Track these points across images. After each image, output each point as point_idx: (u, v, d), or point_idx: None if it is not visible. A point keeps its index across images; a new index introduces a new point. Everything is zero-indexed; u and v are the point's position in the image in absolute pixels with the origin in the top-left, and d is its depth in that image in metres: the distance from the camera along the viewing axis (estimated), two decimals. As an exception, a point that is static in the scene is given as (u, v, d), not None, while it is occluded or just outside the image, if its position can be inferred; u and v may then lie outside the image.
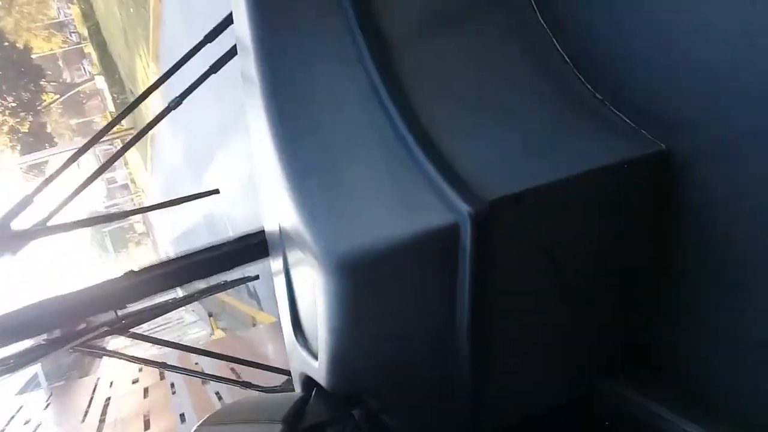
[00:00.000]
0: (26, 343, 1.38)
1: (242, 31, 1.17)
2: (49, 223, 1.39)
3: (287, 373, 1.44)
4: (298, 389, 1.29)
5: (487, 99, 1.10)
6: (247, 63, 1.16)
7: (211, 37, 1.47)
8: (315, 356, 1.09)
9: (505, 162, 1.01)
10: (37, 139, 33.48)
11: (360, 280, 0.91)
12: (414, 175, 0.97)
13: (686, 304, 1.09)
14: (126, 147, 1.47)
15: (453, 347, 1.03)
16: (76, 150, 1.45)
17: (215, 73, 1.51)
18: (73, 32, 40.87)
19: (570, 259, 1.07)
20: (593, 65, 1.12)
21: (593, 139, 1.05)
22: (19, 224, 1.37)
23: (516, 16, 1.19)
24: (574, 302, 1.13)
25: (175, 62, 1.44)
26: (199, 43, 1.46)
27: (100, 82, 34.62)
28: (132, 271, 1.45)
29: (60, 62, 43.36)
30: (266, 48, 1.11)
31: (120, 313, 1.43)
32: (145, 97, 1.47)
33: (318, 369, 1.09)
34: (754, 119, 0.90)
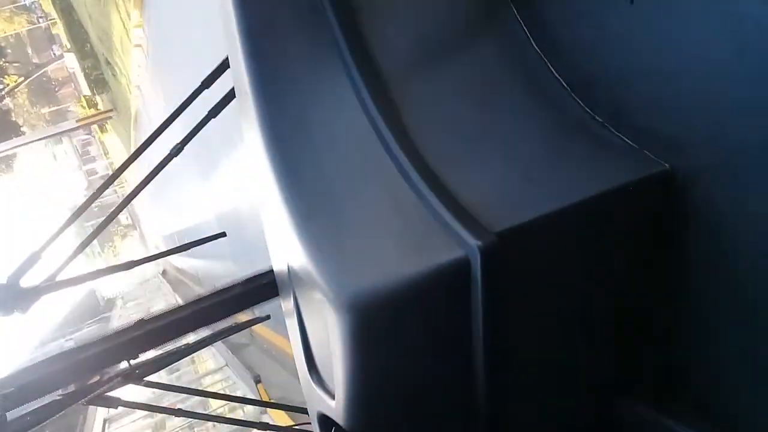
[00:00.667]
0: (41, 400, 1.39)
1: (239, 75, 1.16)
2: (58, 278, 1.38)
3: (305, 412, 1.45)
4: (316, 429, 1.31)
5: (487, 130, 1.11)
6: (246, 106, 1.15)
7: (208, 82, 1.46)
8: (331, 395, 1.09)
9: (510, 193, 1.01)
10: (0, 129, 31.16)
11: (372, 320, 0.92)
12: (419, 211, 0.98)
13: (700, 322, 1.09)
14: (131, 196, 1.46)
15: (468, 381, 1.03)
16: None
17: (215, 117, 1.50)
18: (41, 17, 39.38)
19: (580, 284, 1.08)
20: (591, 88, 1.13)
21: (596, 163, 1.06)
22: (27, 281, 1.36)
23: (511, 44, 1.20)
24: (587, 326, 1.13)
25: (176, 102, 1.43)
26: (197, 89, 1.45)
27: (71, 61, 31.46)
28: (143, 320, 1.45)
29: (28, 49, 41.82)
30: (265, 92, 1.11)
31: (133, 362, 1.43)
32: (149, 144, 1.45)
33: (335, 408, 1.08)
34: (756, 135, 0.90)
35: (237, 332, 1.49)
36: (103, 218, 1.51)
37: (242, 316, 1.52)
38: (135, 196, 1.49)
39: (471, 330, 0.99)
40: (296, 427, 1.65)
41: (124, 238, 54.66)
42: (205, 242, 1.58)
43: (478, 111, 1.14)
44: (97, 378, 1.42)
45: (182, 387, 1.58)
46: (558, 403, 1.21)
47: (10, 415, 1.36)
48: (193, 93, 1.42)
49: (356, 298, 0.90)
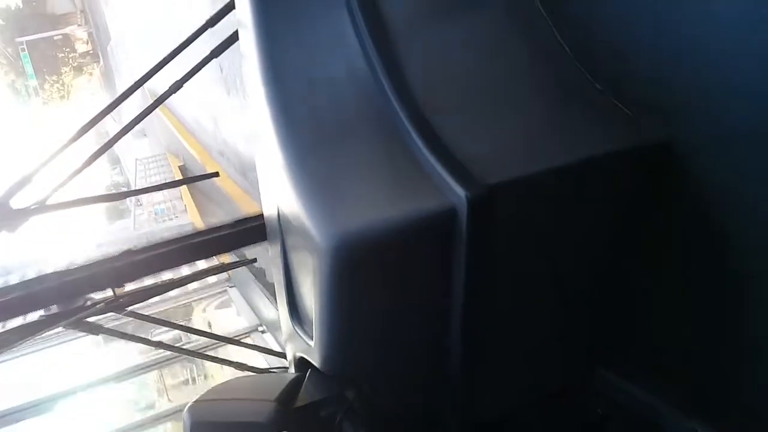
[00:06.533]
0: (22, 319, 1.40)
1: (244, 16, 1.17)
2: (48, 202, 1.39)
3: (283, 355, 1.46)
4: (292, 370, 1.32)
5: (486, 86, 1.11)
6: (248, 48, 1.16)
7: (212, 21, 1.47)
8: (310, 337, 1.10)
9: (503, 148, 1.01)
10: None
11: (356, 263, 0.92)
12: (412, 160, 0.98)
13: (684, 295, 1.10)
14: (122, 132, 1.46)
15: (446, 332, 1.05)
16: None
17: (216, 57, 1.52)
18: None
19: (567, 248, 1.09)
20: (593, 55, 1.13)
21: (592, 128, 1.06)
22: (17, 202, 1.37)
23: (516, 4, 1.20)
24: (569, 291, 1.15)
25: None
26: (201, 27, 1.47)
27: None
28: (130, 250, 1.46)
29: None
30: (267, 33, 1.11)
31: (118, 291, 1.44)
32: (149, 77, 1.47)
33: (313, 350, 1.09)
34: (755, 109, 0.91)
35: (222, 272, 1.51)
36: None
37: (228, 257, 1.54)
38: (119, 139, 1.49)
39: (452, 282, 0.99)
40: (272, 368, 1.66)
41: (80, 73, 33.65)
42: (199, 180, 1.59)
43: (479, 68, 1.14)
44: (80, 303, 1.43)
45: (167, 321, 1.59)
46: (534, 366, 1.23)
47: (-9, 331, 1.37)
48: (197, 30, 1.44)
49: (341, 240, 0.91)
